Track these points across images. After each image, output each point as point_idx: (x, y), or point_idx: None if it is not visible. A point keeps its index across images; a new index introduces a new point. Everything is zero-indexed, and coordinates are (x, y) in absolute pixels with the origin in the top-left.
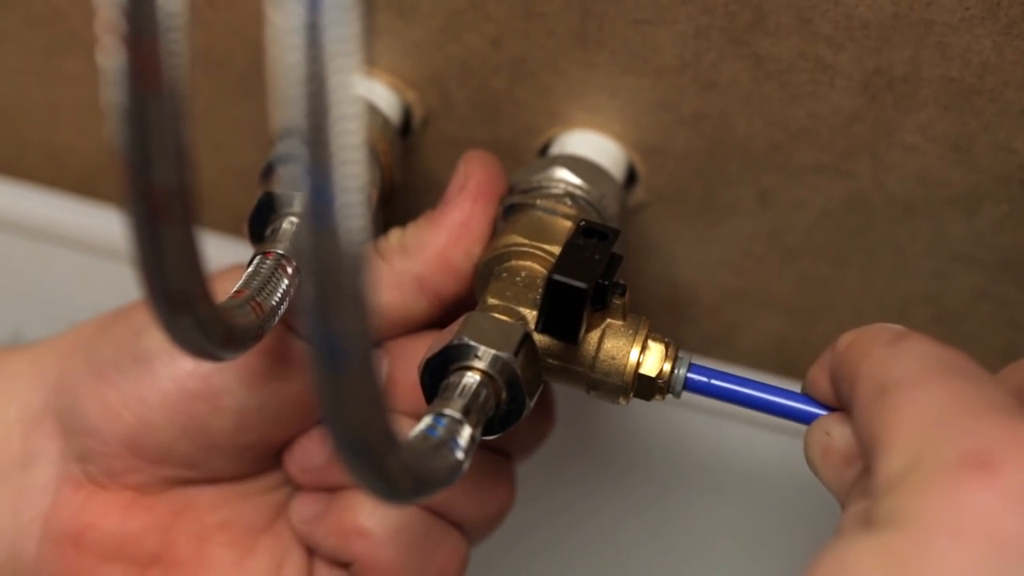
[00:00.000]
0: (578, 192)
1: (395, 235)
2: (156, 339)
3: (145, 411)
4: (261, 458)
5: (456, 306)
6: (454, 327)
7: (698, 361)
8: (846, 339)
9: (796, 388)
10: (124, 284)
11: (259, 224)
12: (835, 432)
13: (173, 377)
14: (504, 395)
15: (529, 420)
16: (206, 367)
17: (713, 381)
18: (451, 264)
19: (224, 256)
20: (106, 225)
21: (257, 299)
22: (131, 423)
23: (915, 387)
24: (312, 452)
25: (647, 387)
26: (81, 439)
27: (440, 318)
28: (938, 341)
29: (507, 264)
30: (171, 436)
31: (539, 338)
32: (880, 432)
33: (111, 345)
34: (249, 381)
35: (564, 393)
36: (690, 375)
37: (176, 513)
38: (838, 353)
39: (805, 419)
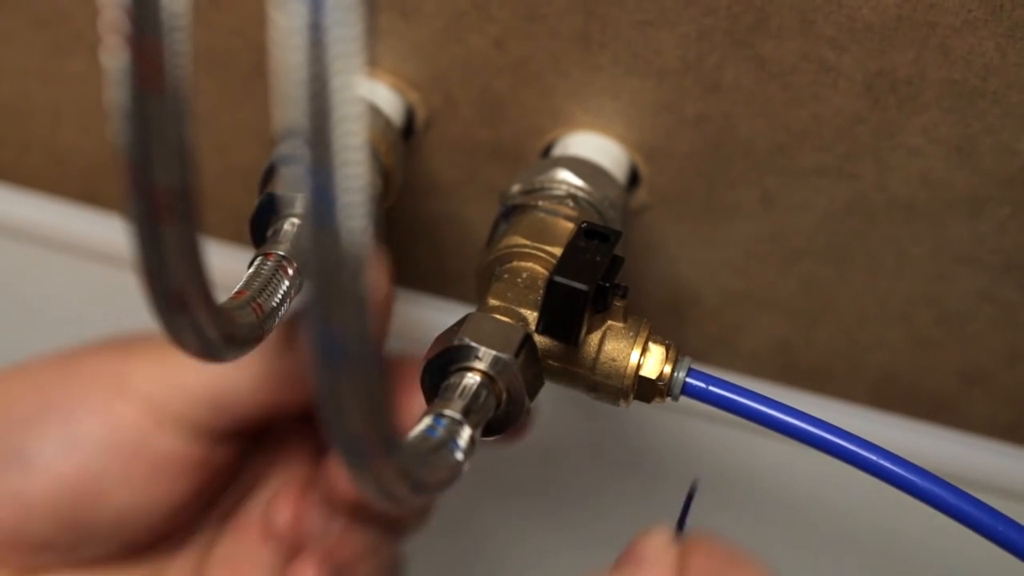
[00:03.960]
0: (580, 194)
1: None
2: (41, 434)
3: (26, 506)
4: (140, 544)
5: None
6: (455, 327)
7: (699, 363)
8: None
9: (797, 394)
10: (126, 290)
11: (261, 225)
12: None
13: (58, 476)
14: (504, 396)
15: None
16: (91, 469)
17: (711, 388)
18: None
19: (226, 260)
20: (108, 232)
21: (258, 300)
22: (11, 515)
23: None
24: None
25: (647, 389)
26: None
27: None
28: None
29: (508, 265)
30: (50, 529)
31: (540, 339)
32: None
33: None
34: (133, 483)
35: (568, 398)
36: (688, 380)
37: None
38: None
39: (800, 435)
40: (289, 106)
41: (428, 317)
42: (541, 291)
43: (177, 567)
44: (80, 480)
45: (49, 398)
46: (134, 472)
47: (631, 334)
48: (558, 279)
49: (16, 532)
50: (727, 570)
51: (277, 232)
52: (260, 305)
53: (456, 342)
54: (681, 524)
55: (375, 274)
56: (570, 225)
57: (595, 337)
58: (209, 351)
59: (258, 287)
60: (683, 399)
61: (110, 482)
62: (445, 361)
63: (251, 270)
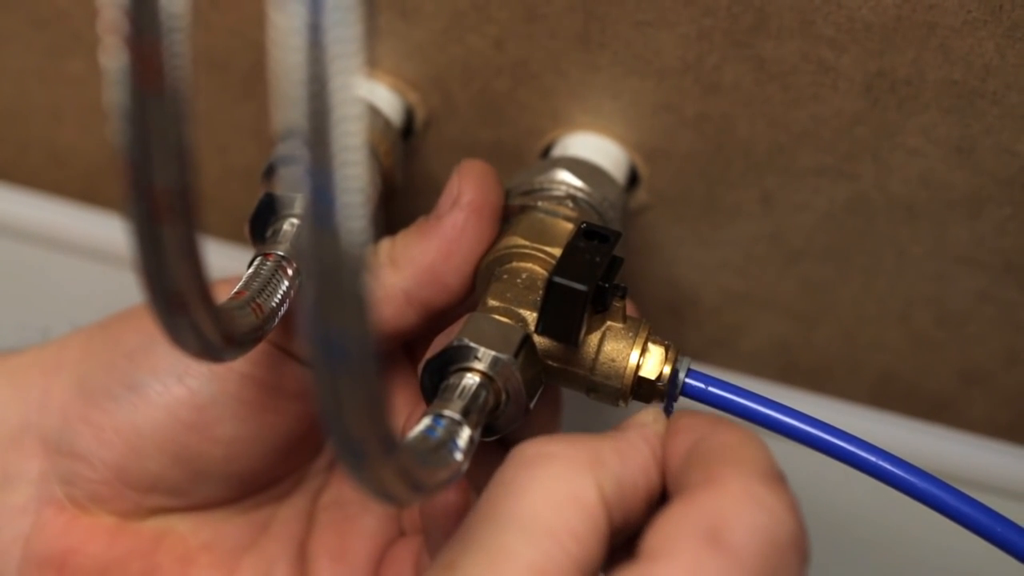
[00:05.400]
0: (580, 194)
1: (385, 246)
2: (149, 366)
3: (137, 439)
4: (247, 486)
5: (447, 316)
6: (455, 328)
7: (699, 364)
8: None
9: (797, 394)
10: (126, 290)
11: (260, 225)
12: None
13: (166, 406)
14: (504, 397)
15: (538, 419)
16: (200, 397)
17: (710, 388)
18: (440, 280)
19: (225, 261)
20: (108, 231)
21: (257, 300)
22: (122, 450)
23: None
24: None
25: (647, 390)
26: (69, 462)
27: (431, 329)
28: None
29: (508, 266)
30: (161, 465)
31: (539, 340)
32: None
33: (103, 370)
34: (242, 412)
35: (566, 398)
36: (688, 380)
37: (160, 537)
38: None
39: (800, 436)
40: (288, 106)
41: None
42: (540, 291)
43: (286, 512)
44: (190, 410)
45: (156, 331)
46: (243, 398)
47: (630, 334)
48: (557, 280)
49: (125, 469)
50: (713, 427)
51: (277, 232)
52: (260, 305)
53: (455, 342)
54: (668, 410)
55: (493, 183)
56: (569, 226)
57: (594, 338)
58: (209, 351)
59: (258, 287)
60: (683, 399)
61: (219, 412)
62: (444, 361)
63: (250, 270)
